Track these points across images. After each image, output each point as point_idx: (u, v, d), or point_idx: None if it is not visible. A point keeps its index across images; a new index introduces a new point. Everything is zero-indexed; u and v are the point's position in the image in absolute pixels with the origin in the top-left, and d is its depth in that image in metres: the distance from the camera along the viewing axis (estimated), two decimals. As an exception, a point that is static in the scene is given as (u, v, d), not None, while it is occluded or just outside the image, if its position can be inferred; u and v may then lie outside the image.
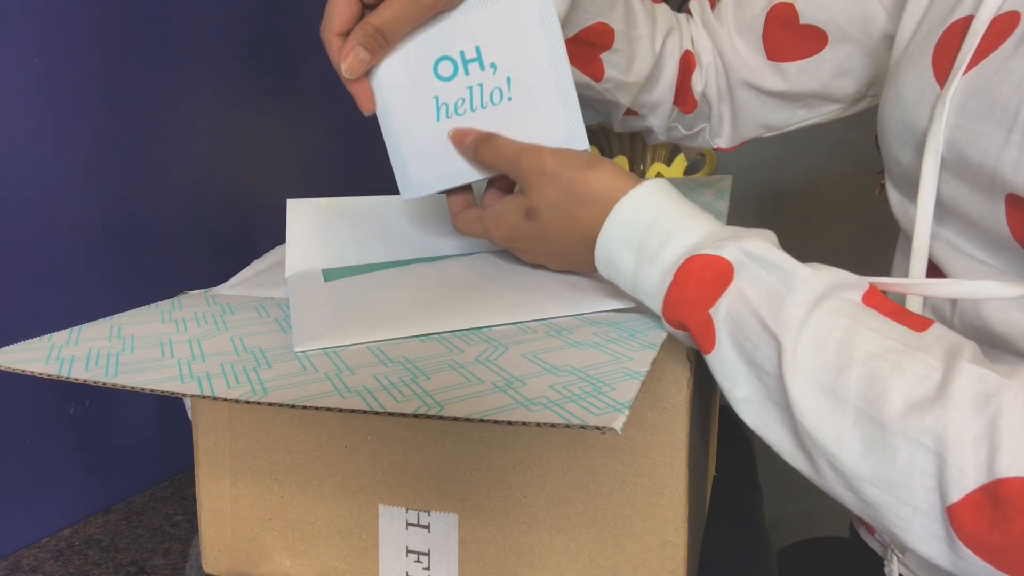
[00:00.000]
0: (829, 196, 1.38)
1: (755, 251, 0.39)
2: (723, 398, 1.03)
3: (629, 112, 0.67)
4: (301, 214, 0.64)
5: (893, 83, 0.49)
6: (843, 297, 0.38)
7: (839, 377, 0.35)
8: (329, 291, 0.55)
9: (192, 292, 0.61)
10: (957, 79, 0.42)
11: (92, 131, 0.72)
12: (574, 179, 0.45)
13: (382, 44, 0.48)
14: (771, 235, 0.41)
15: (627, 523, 0.49)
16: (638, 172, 1.17)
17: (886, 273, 0.52)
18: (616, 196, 0.44)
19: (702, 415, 0.60)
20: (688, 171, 1.21)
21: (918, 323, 0.37)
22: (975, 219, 0.43)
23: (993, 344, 0.44)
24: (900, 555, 0.47)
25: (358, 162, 1.21)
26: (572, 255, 0.49)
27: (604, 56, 0.61)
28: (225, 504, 0.58)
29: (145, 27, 0.77)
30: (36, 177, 0.67)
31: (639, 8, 0.61)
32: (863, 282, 0.39)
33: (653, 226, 0.42)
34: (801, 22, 0.60)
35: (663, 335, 0.46)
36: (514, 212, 0.49)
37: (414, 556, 0.54)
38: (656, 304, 0.43)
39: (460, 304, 0.52)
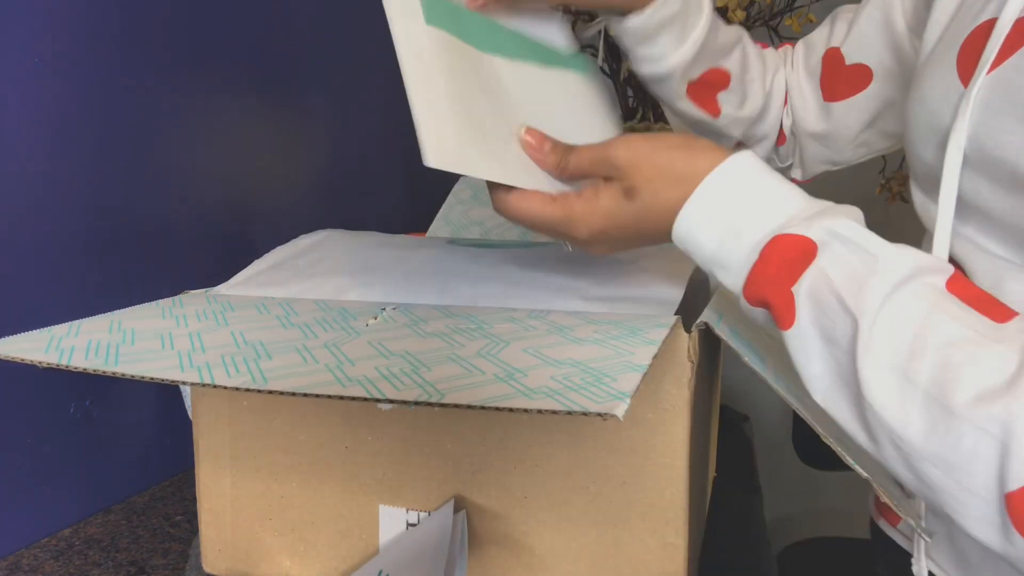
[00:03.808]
0: (830, 195, 1.38)
1: (841, 230, 0.40)
2: (723, 398, 1.03)
3: (738, 145, 0.73)
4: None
5: (918, 85, 0.50)
6: (925, 281, 0.38)
7: (911, 361, 0.36)
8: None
9: (193, 292, 0.61)
10: (981, 78, 0.43)
11: (91, 131, 0.72)
12: (673, 157, 0.45)
13: None
14: (857, 212, 0.42)
15: (627, 524, 0.49)
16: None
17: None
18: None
19: (703, 416, 0.60)
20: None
21: (1001, 313, 0.37)
22: (996, 215, 0.44)
23: None
24: (928, 539, 0.47)
25: (358, 162, 1.21)
26: (662, 233, 0.46)
27: (720, 95, 0.67)
28: (225, 504, 0.58)
29: (146, 27, 0.77)
30: (35, 177, 0.67)
31: (752, 52, 0.69)
32: (948, 267, 0.39)
33: (740, 203, 0.43)
34: (847, 63, 0.66)
35: (664, 333, 0.46)
36: (611, 195, 0.46)
37: (414, 556, 0.54)
38: (737, 279, 0.43)
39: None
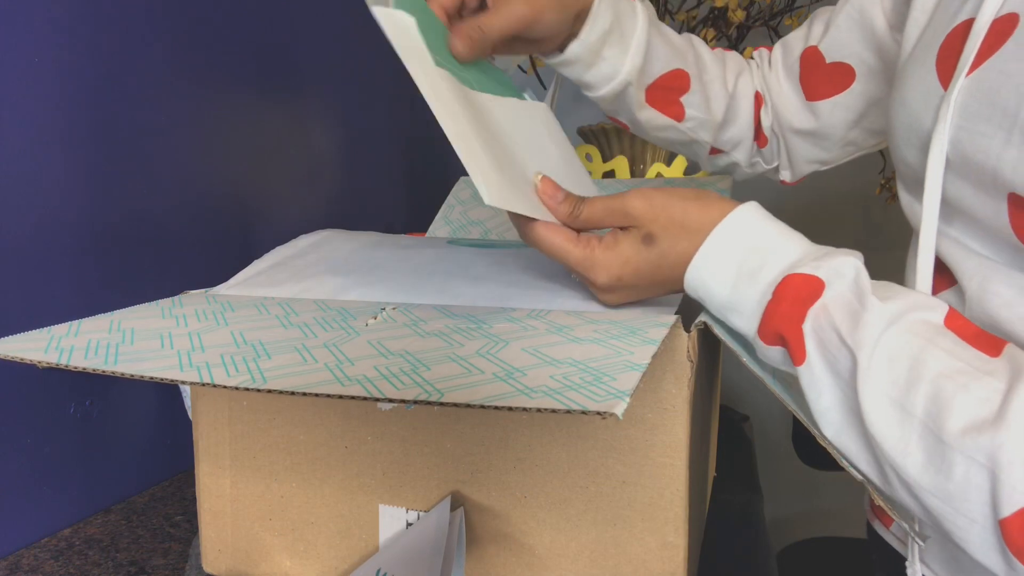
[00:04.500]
0: (829, 195, 1.38)
1: (844, 270, 0.42)
2: (723, 398, 1.03)
3: (714, 151, 0.73)
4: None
5: (899, 86, 0.50)
6: (920, 318, 0.40)
7: (908, 392, 0.37)
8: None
9: (193, 292, 0.61)
10: (960, 81, 0.43)
11: (91, 131, 0.72)
12: (687, 208, 0.47)
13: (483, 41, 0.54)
14: (859, 256, 0.43)
15: (627, 524, 0.49)
16: (638, 172, 1.17)
17: (892, 269, 0.53)
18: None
19: (702, 416, 0.60)
20: (688, 171, 1.22)
21: (995, 347, 0.39)
22: (979, 218, 0.44)
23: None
24: (922, 543, 0.48)
25: (359, 162, 1.21)
26: (677, 281, 0.48)
27: (683, 99, 0.67)
28: (225, 504, 0.58)
29: (145, 27, 0.77)
30: (35, 177, 0.67)
31: (706, 54, 0.69)
32: (943, 305, 0.41)
33: (751, 248, 0.44)
34: (827, 61, 0.66)
35: (664, 332, 0.46)
36: (630, 241, 0.48)
37: (414, 556, 0.54)
38: (751, 321, 0.44)
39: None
